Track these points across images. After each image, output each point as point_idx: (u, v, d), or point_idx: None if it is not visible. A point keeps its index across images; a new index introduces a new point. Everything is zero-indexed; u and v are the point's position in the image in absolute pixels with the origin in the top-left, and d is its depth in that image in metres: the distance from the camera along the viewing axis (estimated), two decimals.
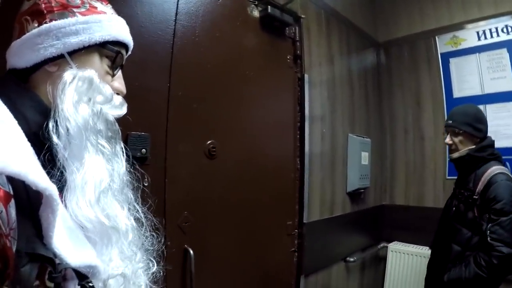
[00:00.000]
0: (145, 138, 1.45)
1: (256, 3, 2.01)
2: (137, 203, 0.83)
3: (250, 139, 1.97)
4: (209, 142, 1.74)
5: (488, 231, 1.76)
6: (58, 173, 0.66)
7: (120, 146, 0.79)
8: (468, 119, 2.01)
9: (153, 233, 0.88)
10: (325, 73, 2.62)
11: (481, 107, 2.85)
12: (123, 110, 0.81)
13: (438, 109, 3.11)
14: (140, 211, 0.83)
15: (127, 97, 1.36)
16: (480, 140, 2.01)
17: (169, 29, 1.57)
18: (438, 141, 3.08)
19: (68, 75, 0.71)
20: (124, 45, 0.82)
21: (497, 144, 2.72)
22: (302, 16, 2.26)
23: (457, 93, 3.04)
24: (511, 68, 2.84)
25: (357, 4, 3.15)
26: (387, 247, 3.17)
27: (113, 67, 0.80)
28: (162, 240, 0.92)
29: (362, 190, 2.96)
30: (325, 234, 2.51)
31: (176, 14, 1.59)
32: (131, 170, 0.84)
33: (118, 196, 0.75)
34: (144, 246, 0.84)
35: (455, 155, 2.06)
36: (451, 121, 2.06)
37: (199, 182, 1.70)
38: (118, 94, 0.81)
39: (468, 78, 3.01)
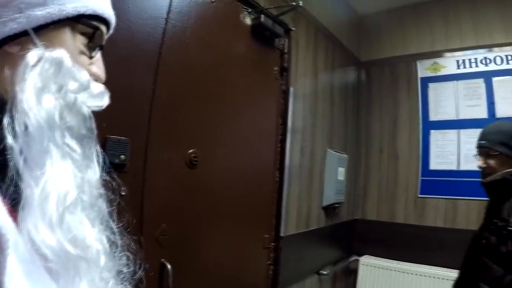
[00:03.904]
0: (124, 143, 1.25)
1: (250, 10, 1.85)
2: (111, 218, 0.64)
3: (232, 149, 1.80)
4: (191, 151, 1.55)
5: None
6: (12, 186, 0.47)
7: (95, 148, 0.59)
8: (504, 138, 1.68)
9: (128, 253, 0.69)
10: (309, 87, 2.51)
11: (455, 132, 2.86)
12: (104, 101, 0.61)
13: (413, 130, 3.07)
14: (114, 227, 0.64)
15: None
16: None
17: (159, 27, 1.38)
18: (411, 161, 3.05)
19: (31, 55, 0.52)
20: (104, 21, 0.62)
21: (468, 167, 2.74)
22: (293, 28, 2.13)
23: (433, 117, 3.03)
24: (486, 97, 2.87)
25: (344, 23, 3.07)
26: (358, 260, 3.07)
27: (91, 47, 0.60)
28: (139, 261, 0.73)
29: (337, 205, 2.85)
30: (300, 248, 2.39)
31: (168, 12, 1.40)
32: (108, 177, 0.64)
33: (89, 211, 0.55)
34: (118, 270, 0.65)
35: (488, 179, 1.71)
36: (484, 142, 1.73)
37: (179, 192, 1.51)
38: (96, 80, 0.61)
39: (445, 103, 3.01)
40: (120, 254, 0.65)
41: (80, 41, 0.58)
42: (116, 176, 0.68)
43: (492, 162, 1.69)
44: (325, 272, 2.65)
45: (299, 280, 2.42)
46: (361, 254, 3.12)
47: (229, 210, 1.79)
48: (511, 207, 1.59)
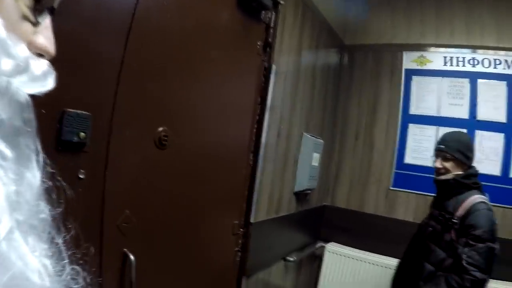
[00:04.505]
0: (85, 118, 1.08)
1: None
2: (57, 229, 0.50)
3: (205, 128, 1.66)
4: (161, 129, 1.39)
5: (464, 255, 1.76)
6: None
7: (34, 146, 0.43)
8: (460, 147, 2.01)
9: (79, 267, 0.56)
10: (292, 66, 2.37)
11: (434, 128, 2.87)
12: (48, 85, 0.45)
13: (392, 121, 3.04)
14: (61, 242, 0.50)
15: (67, 63, 0.99)
16: (468, 167, 2.01)
17: None
18: (387, 152, 3.03)
19: None
20: None
21: None
22: (282, 2, 1.98)
23: (413, 110, 3.02)
24: (469, 98, 2.88)
25: (333, 2, 2.91)
26: (324, 247, 3.07)
27: (38, 10, 0.43)
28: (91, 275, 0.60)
29: (309, 191, 2.79)
30: (269, 234, 2.32)
31: None
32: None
33: (27, 232, 0.40)
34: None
35: (442, 177, 2.02)
36: (443, 146, 2.03)
37: (145, 175, 1.37)
38: (41, 55, 0.45)
39: (427, 98, 3.00)
40: (69, 272, 0.52)
41: (23, 2, 0.42)
42: (57, 181, 0.53)
43: (447, 164, 2.00)
44: (291, 259, 2.62)
45: (266, 267, 2.37)
46: (328, 241, 3.12)
47: (200, 195, 1.67)
48: (457, 203, 1.92)
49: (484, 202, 1.89)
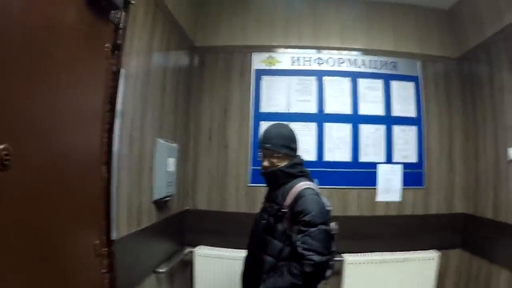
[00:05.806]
0: None
1: None
2: None
3: (52, 143, 1.50)
4: (1, 147, 1.21)
5: (299, 242, 1.81)
6: None
7: None
8: (285, 141, 2.07)
9: None
10: (141, 69, 2.31)
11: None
12: None
13: (244, 120, 3.27)
14: None
15: None
16: (293, 157, 2.09)
17: None
18: (241, 150, 3.24)
19: None
20: None
21: None
22: (133, 1, 1.91)
23: (264, 108, 3.28)
24: (317, 94, 3.29)
25: (185, 3, 2.95)
26: (193, 252, 3.10)
27: None
28: None
29: (168, 198, 2.78)
30: (135, 249, 2.23)
31: None
32: None
33: None
34: None
35: (268, 170, 2.08)
36: (269, 145, 2.07)
37: None
38: None
39: (277, 96, 3.28)
40: None
41: None
42: None
43: (275, 160, 2.07)
44: (162, 270, 2.58)
45: (138, 283, 2.27)
46: (195, 245, 3.16)
47: (52, 217, 1.50)
48: (284, 193, 1.99)
49: (310, 188, 1.95)
